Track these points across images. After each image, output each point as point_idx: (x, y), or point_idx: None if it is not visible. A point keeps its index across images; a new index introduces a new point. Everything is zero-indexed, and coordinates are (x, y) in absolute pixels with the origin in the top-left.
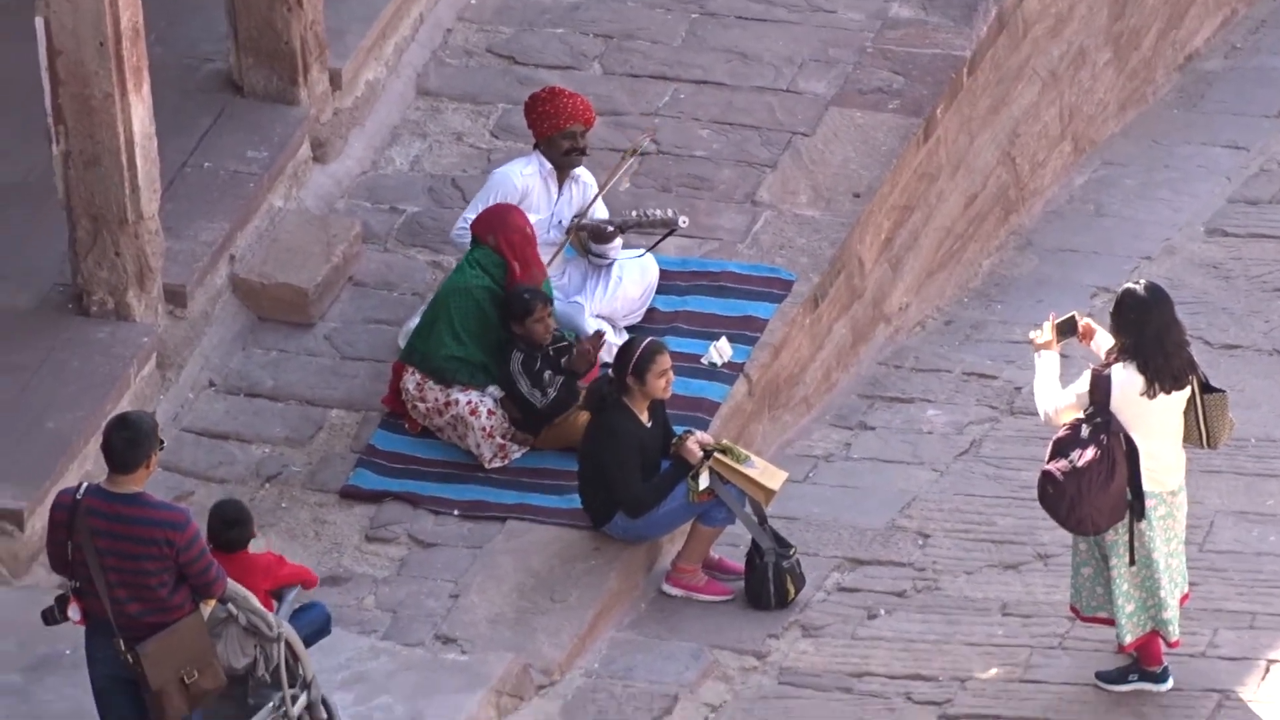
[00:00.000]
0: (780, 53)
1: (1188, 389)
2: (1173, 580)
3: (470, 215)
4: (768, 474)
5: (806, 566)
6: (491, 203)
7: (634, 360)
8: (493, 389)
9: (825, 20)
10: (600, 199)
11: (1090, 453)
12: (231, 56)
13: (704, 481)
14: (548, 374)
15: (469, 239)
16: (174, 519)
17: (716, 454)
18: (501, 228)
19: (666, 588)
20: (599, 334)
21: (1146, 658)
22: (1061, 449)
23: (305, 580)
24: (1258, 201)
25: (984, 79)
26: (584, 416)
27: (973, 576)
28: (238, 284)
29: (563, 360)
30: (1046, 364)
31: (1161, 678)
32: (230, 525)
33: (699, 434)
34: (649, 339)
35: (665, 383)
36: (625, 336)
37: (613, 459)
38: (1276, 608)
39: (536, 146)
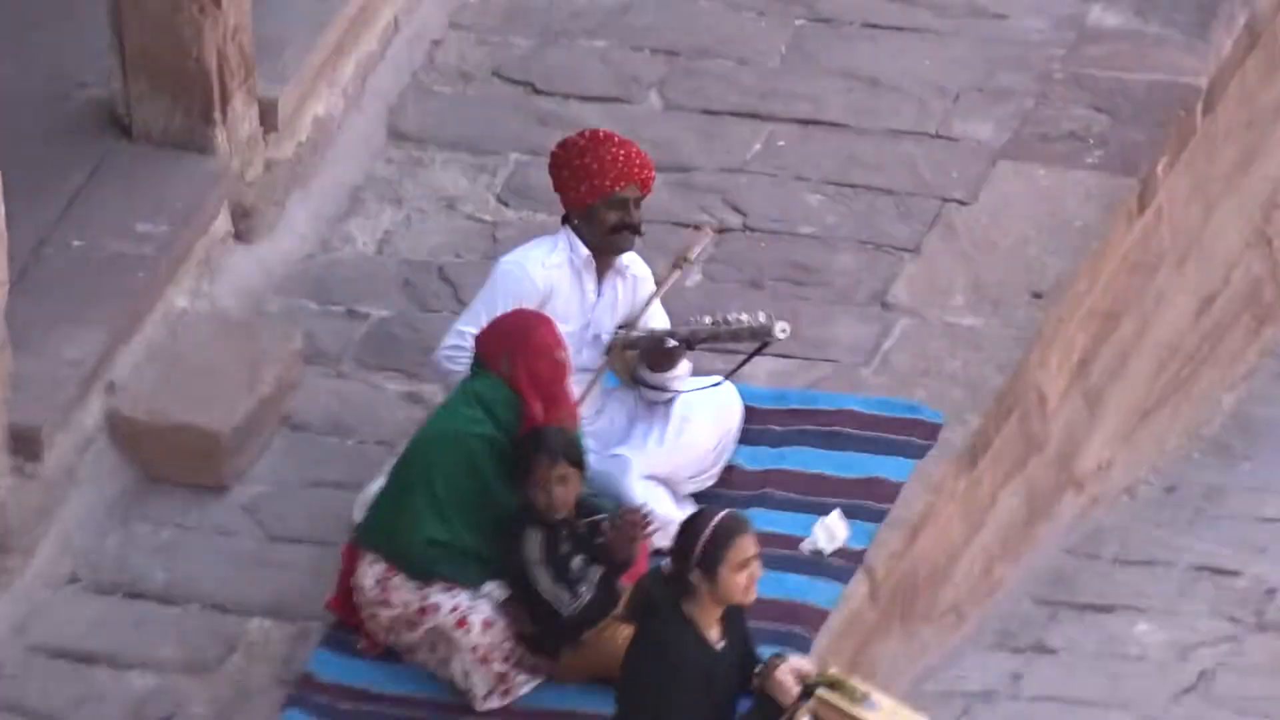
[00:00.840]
0: (926, 78)
1: None
2: None
3: (468, 328)
4: None
5: None
6: (501, 308)
7: (701, 545)
8: (491, 588)
9: (994, 30)
10: (658, 302)
11: None
12: (115, 80)
13: None
14: (578, 561)
15: (464, 364)
16: None
17: (821, 690)
18: (521, 348)
19: None
20: (643, 511)
21: None
22: None
23: None
24: None
25: (1228, 120)
26: (626, 631)
27: None
28: (118, 425)
29: (598, 539)
30: None
31: None
32: None
33: (795, 660)
34: (724, 512)
35: (747, 579)
36: (690, 508)
37: (663, 694)
38: None
39: (567, 221)
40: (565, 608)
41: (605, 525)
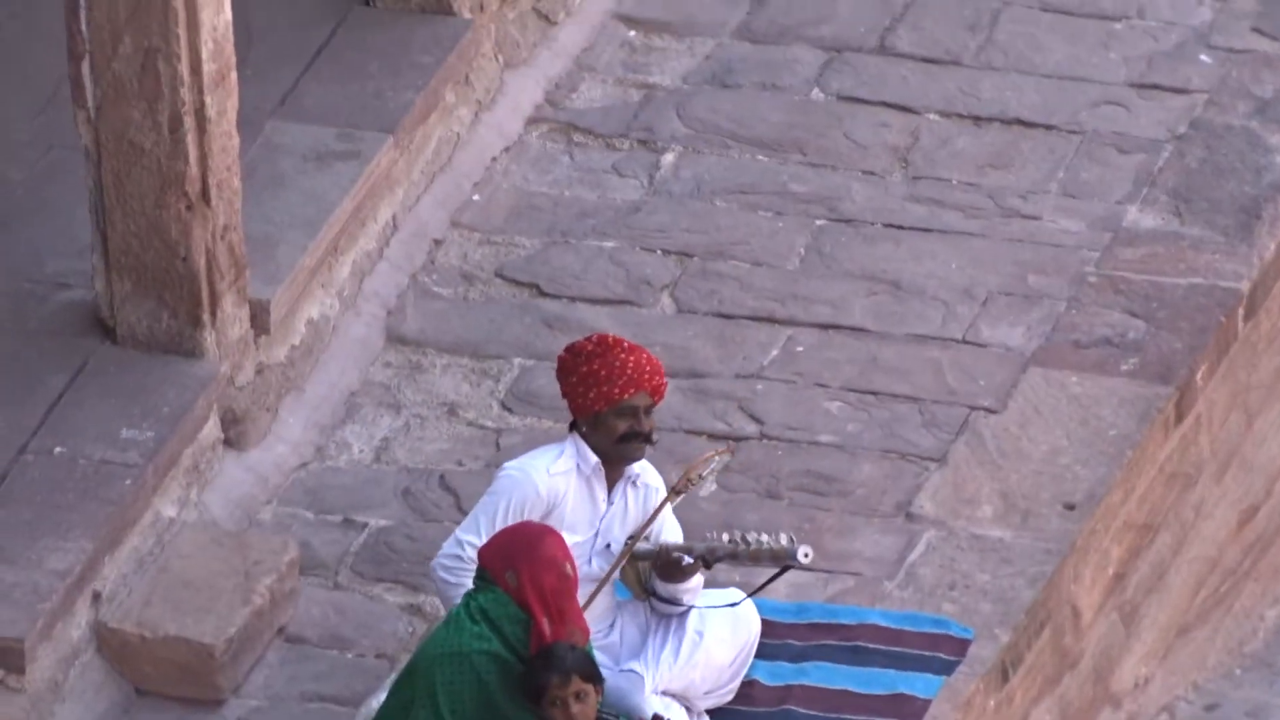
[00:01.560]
0: (953, 281)
1: None
2: None
3: (469, 538)
4: None
5: None
6: (504, 519)
7: None
8: None
9: (1024, 231)
10: (669, 509)
11: None
12: (99, 280)
13: None
14: None
15: (464, 581)
16: None
17: None
18: (526, 561)
19: None
20: None
21: None
22: None
23: None
24: None
25: (1270, 326)
26: None
27: None
28: (106, 638)
29: None
30: None
31: None
32: None
33: None
34: None
35: None
36: None
37: None
38: None
39: (575, 428)
40: None
41: None
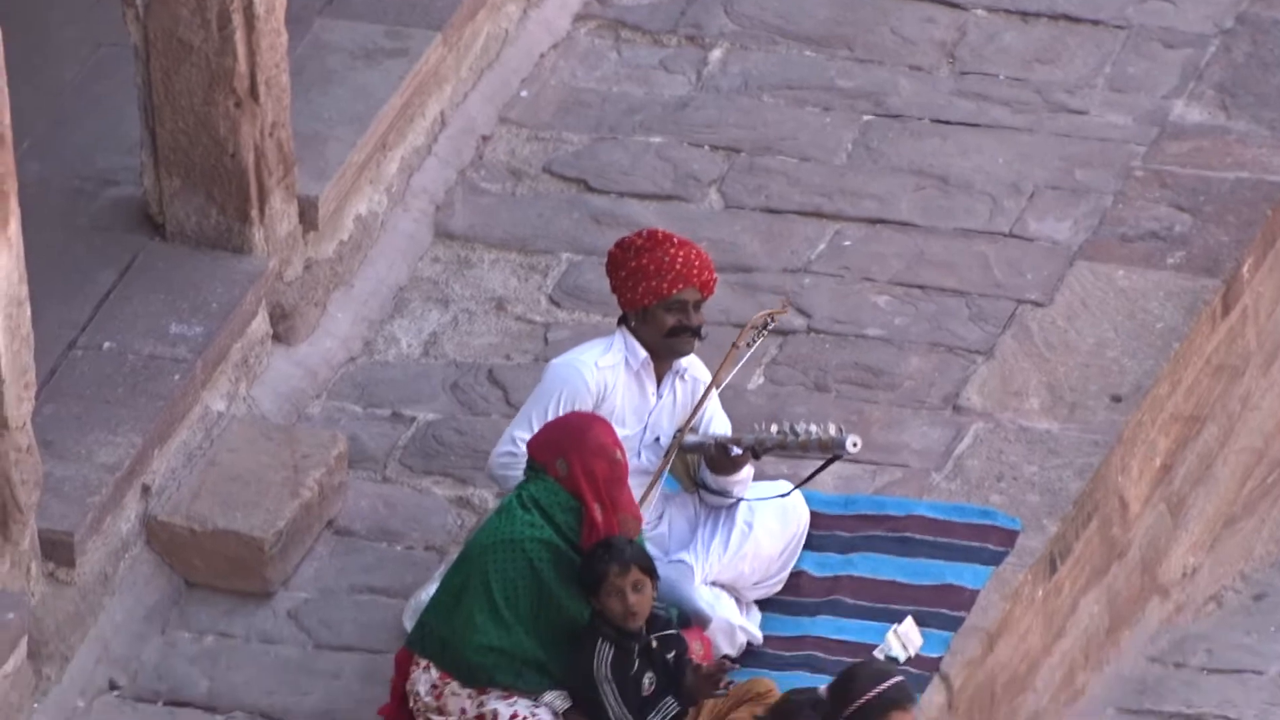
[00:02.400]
0: (1001, 176)
1: None
2: None
3: (521, 434)
4: None
5: None
6: (553, 411)
7: (857, 704)
8: (552, 697)
9: (1071, 126)
10: (717, 401)
11: None
12: (147, 177)
13: None
14: (648, 679)
15: (519, 471)
16: None
17: None
18: (578, 449)
19: None
20: (726, 663)
21: None
22: None
23: None
24: None
25: None
26: None
27: None
28: (155, 531)
29: (669, 655)
30: None
31: None
32: None
33: None
34: (894, 682)
35: None
36: (756, 614)
37: None
38: None
39: (624, 322)
40: None
41: (676, 638)
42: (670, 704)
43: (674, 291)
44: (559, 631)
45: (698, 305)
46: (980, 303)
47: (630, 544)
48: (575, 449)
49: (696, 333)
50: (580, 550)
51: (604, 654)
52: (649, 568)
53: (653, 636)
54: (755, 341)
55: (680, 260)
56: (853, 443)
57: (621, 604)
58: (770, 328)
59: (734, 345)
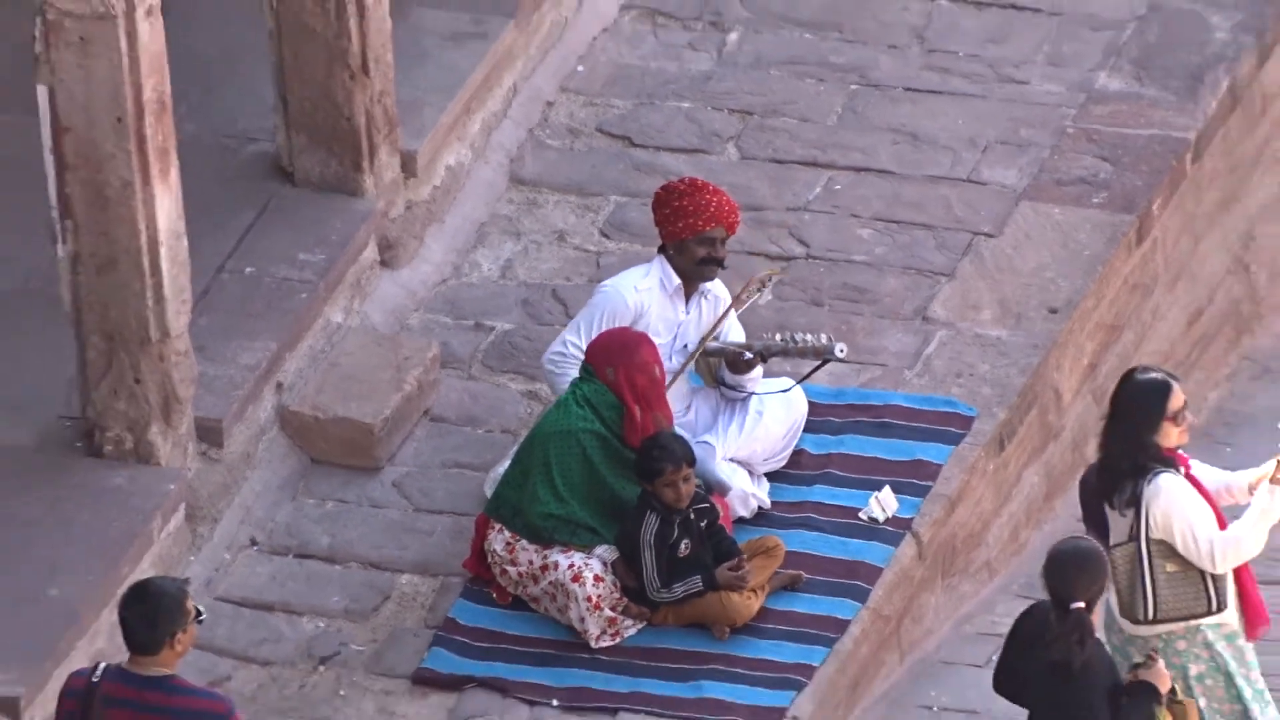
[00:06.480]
0: (960, 133)
1: None
2: None
3: (571, 338)
4: None
5: None
6: (599, 325)
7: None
8: (603, 550)
9: (1015, 93)
10: (734, 317)
11: None
12: (280, 135)
13: None
14: (684, 544)
15: (568, 371)
16: (214, 709)
17: None
18: (625, 363)
19: None
20: (746, 566)
21: None
22: None
23: None
24: None
25: (1212, 167)
26: (710, 596)
27: None
28: (287, 418)
29: (703, 523)
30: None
31: None
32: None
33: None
34: (1093, 543)
35: None
36: (765, 484)
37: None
38: None
39: (662, 251)
40: (654, 594)
41: (710, 509)
42: (695, 582)
43: (706, 229)
44: (605, 504)
45: (723, 241)
46: (944, 234)
47: (680, 442)
48: (623, 362)
49: (720, 263)
50: (624, 441)
51: (651, 524)
52: (694, 460)
53: (691, 509)
54: (755, 296)
55: (714, 204)
56: (840, 349)
57: (674, 493)
58: (766, 288)
59: (736, 298)
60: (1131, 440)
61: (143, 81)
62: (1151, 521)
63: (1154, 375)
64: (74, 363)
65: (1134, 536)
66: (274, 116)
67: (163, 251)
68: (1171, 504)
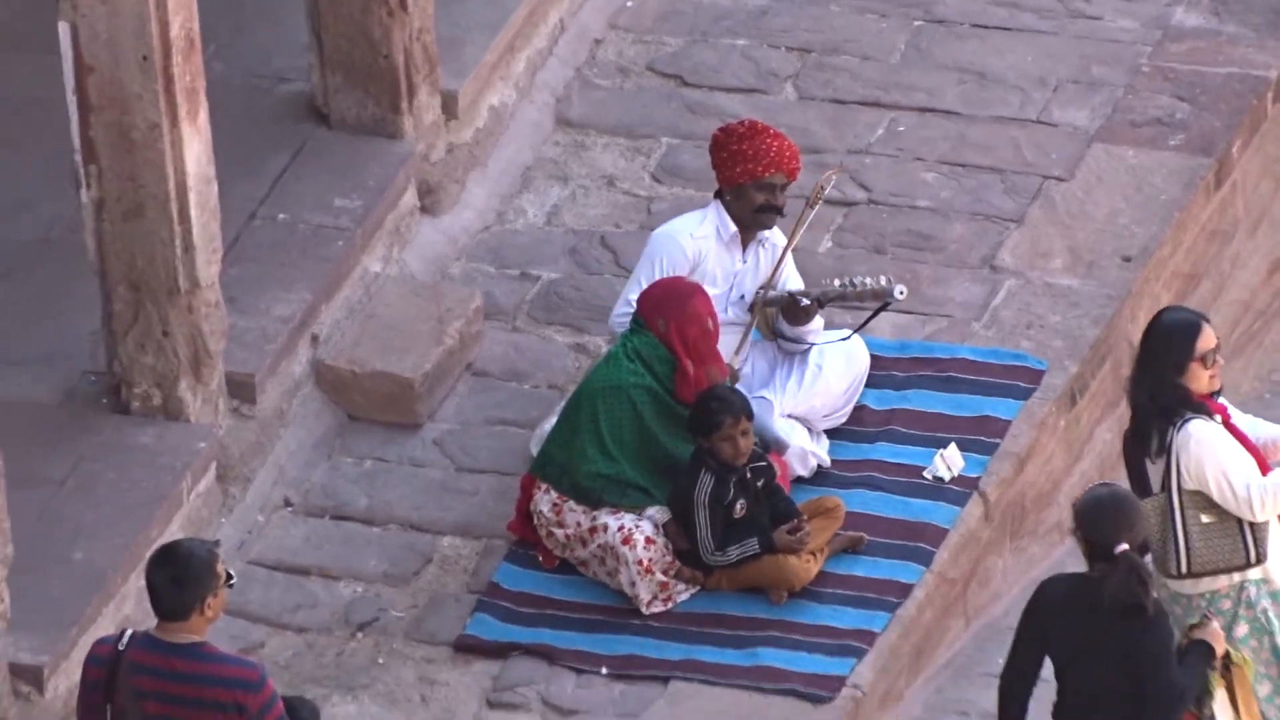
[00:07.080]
0: (1029, 72)
1: None
2: None
3: (634, 294)
4: None
5: None
6: (656, 274)
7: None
8: (654, 511)
9: (1088, 29)
10: (791, 262)
11: None
12: (314, 75)
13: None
14: (740, 505)
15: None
16: (246, 677)
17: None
18: (676, 314)
19: None
20: (804, 527)
21: None
22: None
23: None
24: None
25: None
26: (764, 558)
27: None
28: (322, 373)
29: (760, 483)
30: None
31: None
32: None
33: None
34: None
35: None
36: (824, 441)
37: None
38: None
39: (719, 195)
40: (708, 557)
41: (767, 468)
42: (751, 544)
43: (766, 175)
44: (657, 463)
45: (783, 188)
46: (1013, 178)
47: (738, 395)
48: (675, 314)
49: (779, 210)
50: (675, 396)
51: (705, 483)
52: (752, 414)
53: (747, 468)
54: (818, 203)
55: (774, 149)
56: (900, 290)
57: (733, 448)
58: (828, 190)
59: (807, 204)
60: (1157, 381)
61: (170, 18)
62: (1183, 470)
63: (1184, 314)
64: (99, 315)
65: (1165, 487)
66: (308, 55)
67: (192, 198)
68: (1203, 450)
